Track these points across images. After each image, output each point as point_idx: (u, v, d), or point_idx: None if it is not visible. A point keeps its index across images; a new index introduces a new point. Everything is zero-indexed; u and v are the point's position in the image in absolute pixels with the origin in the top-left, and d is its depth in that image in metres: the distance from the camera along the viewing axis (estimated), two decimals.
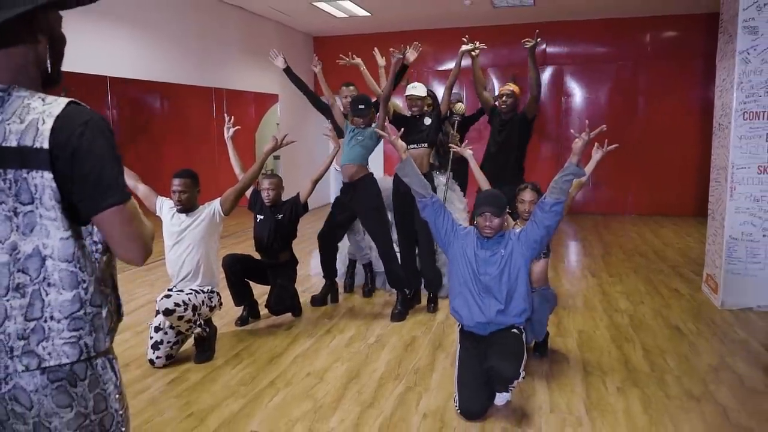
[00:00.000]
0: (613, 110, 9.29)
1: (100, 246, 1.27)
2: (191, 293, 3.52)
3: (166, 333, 3.53)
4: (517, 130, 4.94)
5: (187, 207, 3.63)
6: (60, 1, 1.22)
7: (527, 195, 3.65)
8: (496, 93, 5.09)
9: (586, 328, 4.20)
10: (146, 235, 1.29)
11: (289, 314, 4.45)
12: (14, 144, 1.14)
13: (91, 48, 5.59)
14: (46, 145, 1.14)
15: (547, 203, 2.95)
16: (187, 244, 3.61)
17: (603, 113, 9.37)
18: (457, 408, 2.94)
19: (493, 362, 2.83)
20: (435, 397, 3.15)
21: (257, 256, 4.37)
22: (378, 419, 2.91)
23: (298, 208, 4.27)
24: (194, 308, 3.48)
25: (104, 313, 1.28)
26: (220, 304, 3.81)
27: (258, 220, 4.27)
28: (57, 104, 1.18)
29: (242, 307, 4.31)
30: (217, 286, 3.77)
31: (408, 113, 4.71)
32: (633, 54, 9.12)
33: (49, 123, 1.15)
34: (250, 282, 4.30)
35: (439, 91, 9.53)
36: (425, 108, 4.67)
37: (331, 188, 10.27)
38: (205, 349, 3.67)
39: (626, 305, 4.71)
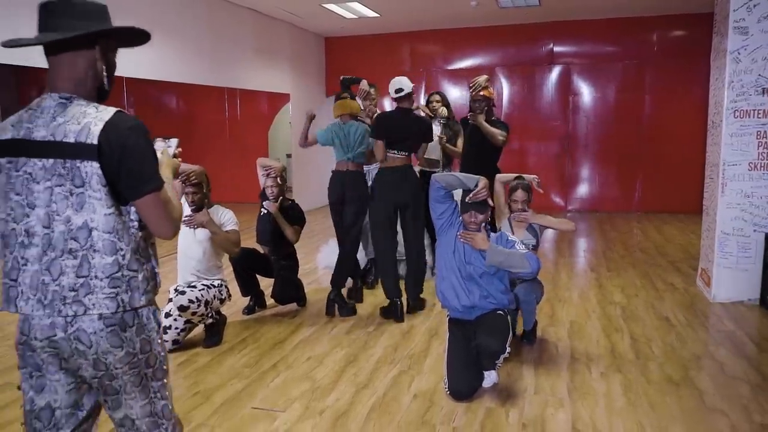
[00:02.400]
0: (620, 109, 9.40)
1: (136, 223, 1.57)
2: (203, 289, 3.76)
3: (175, 320, 3.76)
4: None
5: (199, 206, 3.84)
6: (115, 33, 1.60)
7: (519, 195, 3.81)
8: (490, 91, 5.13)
9: (578, 318, 4.36)
10: (175, 216, 1.62)
11: (295, 304, 4.67)
12: (72, 140, 1.47)
13: None
14: (95, 142, 1.46)
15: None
16: (201, 235, 3.83)
17: (610, 112, 9.49)
18: (446, 389, 3.13)
19: (480, 339, 3.03)
20: (427, 379, 3.34)
21: (261, 249, 4.59)
22: (371, 399, 3.11)
23: (296, 214, 4.46)
24: (206, 303, 3.73)
25: (140, 277, 1.58)
26: (229, 296, 4.03)
27: (262, 213, 4.49)
28: (107, 112, 1.51)
29: (249, 297, 4.53)
30: (226, 280, 3.99)
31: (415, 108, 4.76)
32: (639, 53, 9.21)
33: (100, 126, 1.47)
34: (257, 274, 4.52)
35: (450, 92, 9.73)
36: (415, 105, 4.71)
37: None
38: (213, 334, 3.90)
39: (620, 298, 4.86)
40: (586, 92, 9.57)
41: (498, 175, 4.08)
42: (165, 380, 1.70)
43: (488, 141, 4.82)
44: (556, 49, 9.59)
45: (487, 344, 3.01)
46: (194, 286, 3.76)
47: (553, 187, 9.73)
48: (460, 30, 9.86)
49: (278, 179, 4.39)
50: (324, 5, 8.00)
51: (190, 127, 9.28)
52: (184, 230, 3.88)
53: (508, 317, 3.18)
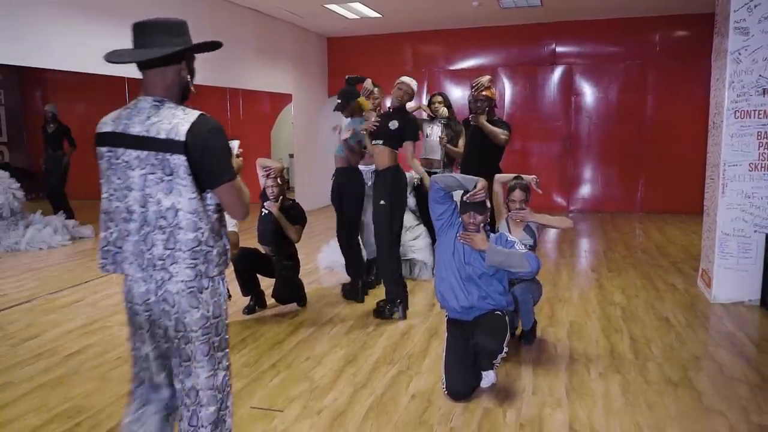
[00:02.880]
0: (622, 109, 9.39)
1: (213, 207, 1.89)
2: None
3: None
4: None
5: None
6: (197, 48, 1.95)
7: (517, 195, 3.81)
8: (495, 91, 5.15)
9: (578, 319, 4.36)
10: (246, 201, 1.95)
11: (295, 304, 4.68)
12: (163, 137, 1.77)
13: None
14: (182, 139, 1.76)
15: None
16: None
17: (612, 112, 9.48)
18: (444, 389, 3.13)
19: (477, 338, 3.03)
20: (425, 379, 3.34)
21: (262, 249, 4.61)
22: (369, 398, 3.11)
23: (297, 213, 4.48)
24: None
25: (214, 252, 1.89)
26: (230, 296, 4.04)
27: (262, 214, 4.50)
28: (192, 114, 1.81)
29: (249, 296, 4.55)
30: (226, 280, 3.99)
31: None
32: (642, 53, 9.20)
33: (186, 126, 1.77)
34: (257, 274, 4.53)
35: (452, 92, 9.74)
36: (405, 101, 4.58)
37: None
38: None
39: (620, 298, 4.86)
40: (588, 92, 9.56)
41: (497, 176, 4.08)
42: (227, 350, 2.00)
43: (490, 141, 4.82)
44: (558, 49, 9.58)
45: (485, 344, 3.02)
46: None
47: (555, 187, 9.73)
48: (462, 30, 9.86)
49: (278, 179, 4.40)
50: (326, 5, 8.01)
51: None
52: None
53: (506, 317, 3.18)
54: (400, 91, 4.45)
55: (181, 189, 1.79)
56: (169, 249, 1.81)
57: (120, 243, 1.86)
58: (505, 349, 3.07)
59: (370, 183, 4.87)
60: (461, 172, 4.21)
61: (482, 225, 3.18)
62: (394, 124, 4.36)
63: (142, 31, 1.88)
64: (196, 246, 1.83)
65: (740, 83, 4.48)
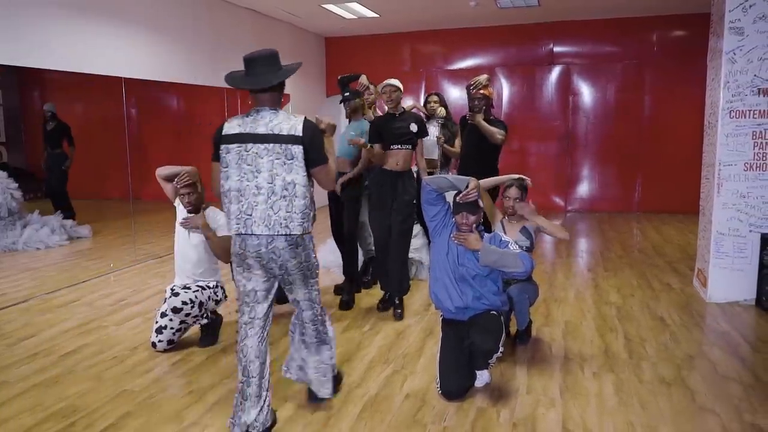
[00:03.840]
0: (620, 109, 9.40)
1: (311, 182, 2.70)
2: (198, 290, 3.79)
3: (171, 320, 3.77)
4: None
5: (197, 206, 3.80)
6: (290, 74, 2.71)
7: (513, 192, 3.82)
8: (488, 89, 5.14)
9: (573, 318, 4.37)
10: (333, 178, 2.81)
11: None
12: (285, 133, 2.58)
13: (107, 50, 5.88)
14: (301, 134, 2.59)
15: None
16: (196, 239, 3.85)
17: (609, 112, 9.49)
18: (438, 389, 3.14)
19: (473, 338, 3.04)
20: (419, 379, 3.35)
21: None
22: (363, 398, 3.12)
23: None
24: (200, 304, 3.76)
25: (311, 215, 2.69)
26: (225, 297, 4.05)
27: None
28: (300, 118, 2.65)
29: None
30: (220, 277, 4.01)
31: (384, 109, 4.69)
32: (639, 53, 9.21)
33: (301, 126, 2.61)
34: None
35: (450, 92, 9.75)
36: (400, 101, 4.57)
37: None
38: (209, 334, 3.92)
39: (616, 298, 4.87)
40: (585, 92, 9.57)
41: (481, 181, 4.05)
42: (317, 278, 2.85)
43: (487, 140, 4.83)
44: (556, 49, 9.59)
45: (481, 343, 3.03)
46: (188, 288, 3.78)
47: (552, 187, 9.74)
48: (460, 30, 9.87)
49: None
50: (323, 6, 8.02)
51: (190, 128, 9.31)
52: (180, 233, 3.89)
53: (501, 317, 3.19)
54: (393, 94, 4.46)
55: (298, 169, 2.60)
56: (288, 212, 2.60)
57: (249, 211, 2.61)
58: (501, 349, 3.08)
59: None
60: (458, 172, 4.21)
61: (475, 225, 3.19)
62: (414, 127, 4.44)
63: (252, 63, 2.65)
64: (305, 209, 2.63)
65: (735, 83, 4.49)
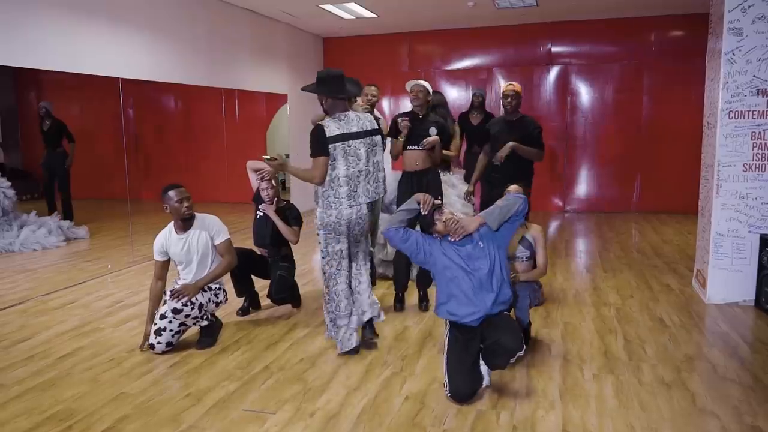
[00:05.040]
0: (618, 109, 9.39)
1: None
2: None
3: (170, 322, 3.75)
4: (528, 131, 4.96)
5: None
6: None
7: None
8: (502, 90, 5.14)
9: (572, 320, 4.35)
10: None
11: (289, 305, 4.67)
12: (369, 128, 3.62)
13: (103, 50, 5.86)
14: (377, 127, 3.68)
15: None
16: (195, 262, 3.85)
17: (608, 112, 9.48)
18: (447, 392, 3.10)
19: (498, 337, 3.00)
20: (419, 381, 3.33)
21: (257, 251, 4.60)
22: (362, 400, 3.10)
23: (293, 214, 4.46)
24: (200, 306, 3.74)
25: (383, 183, 3.77)
26: (226, 299, 4.03)
27: (258, 216, 4.49)
28: (368, 114, 3.83)
29: (243, 298, 4.53)
30: (223, 282, 3.99)
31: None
32: (637, 53, 9.20)
33: (374, 120, 3.69)
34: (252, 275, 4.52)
35: (448, 92, 9.73)
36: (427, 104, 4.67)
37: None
38: (207, 336, 3.90)
39: (615, 299, 4.85)
40: (584, 93, 9.56)
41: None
42: (369, 236, 3.80)
43: (526, 139, 4.93)
44: (554, 49, 9.58)
45: (508, 343, 2.98)
46: None
47: (551, 187, 9.73)
48: (458, 30, 9.86)
49: (272, 181, 4.39)
50: (321, 6, 7.99)
51: (188, 128, 9.29)
52: (182, 264, 3.87)
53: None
54: (420, 94, 4.58)
55: (380, 152, 3.68)
56: (376, 183, 3.64)
57: (356, 189, 3.50)
58: (524, 347, 3.07)
59: None
60: (497, 175, 4.78)
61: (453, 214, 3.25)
62: (433, 131, 4.50)
63: (323, 80, 3.54)
64: (383, 181, 3.71)
65: (734, 84, 4.48)
